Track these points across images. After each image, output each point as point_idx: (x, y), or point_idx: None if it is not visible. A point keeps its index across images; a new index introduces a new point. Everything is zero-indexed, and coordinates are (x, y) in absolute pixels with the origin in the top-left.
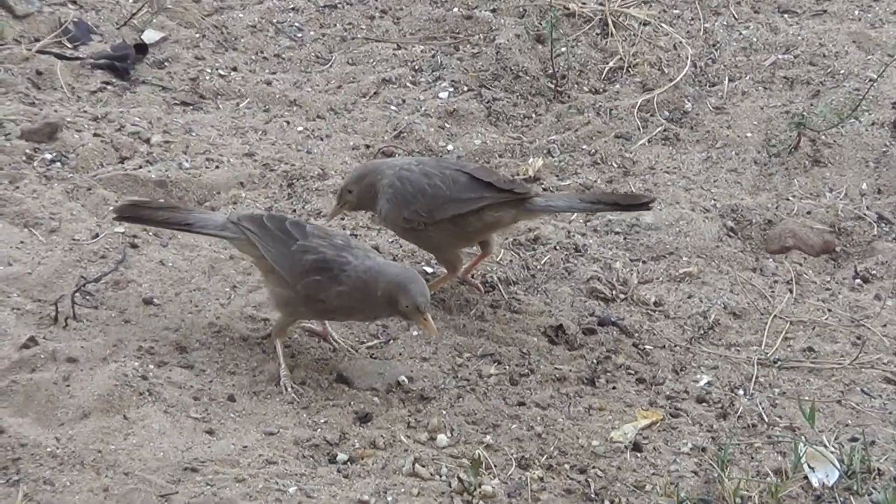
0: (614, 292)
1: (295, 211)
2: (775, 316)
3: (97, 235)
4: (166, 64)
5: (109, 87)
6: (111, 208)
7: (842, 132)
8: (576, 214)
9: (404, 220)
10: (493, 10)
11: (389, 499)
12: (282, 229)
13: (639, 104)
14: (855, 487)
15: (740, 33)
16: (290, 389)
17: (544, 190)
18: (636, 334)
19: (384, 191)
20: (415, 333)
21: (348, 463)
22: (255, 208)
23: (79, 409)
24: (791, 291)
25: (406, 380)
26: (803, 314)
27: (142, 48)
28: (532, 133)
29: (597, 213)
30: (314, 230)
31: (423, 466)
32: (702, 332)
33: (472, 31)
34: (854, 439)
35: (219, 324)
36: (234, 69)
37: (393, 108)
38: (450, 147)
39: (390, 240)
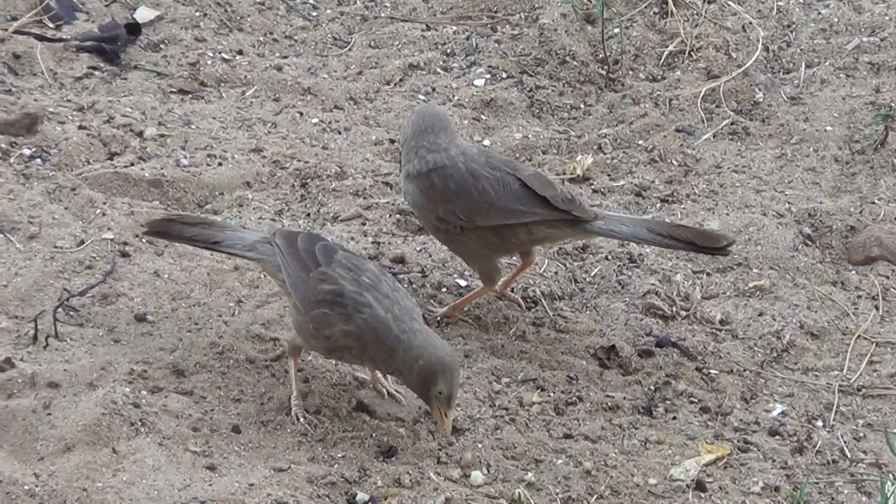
0: (674, 309)
1: (309, 215)
2: (859, 336)
3: (82, 242)
4: (162, 46)
5: (97, 72)
6: (142, 224)
7: None
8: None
9: (437, 218)
10: None
11: None
12: (308, 251)
13: (702, 93)
14: None
15: (819, 13)
16: (302, 419)
17: (594, 192)
18: (699, 357)
19: (421, 172)
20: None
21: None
22: (263, 211)
23: (61, 441)
24: (877, 308)
25: None
26: (891, 334)
27: (134, 28)
28: (580, 126)
29: (665, 248)
30: (344, 259)
31: None
32: (775, 354)
33: (512, 10)
34: None
35: (221, 344)
36: (240, 52)
37: (421, 97)
38: (486, 142)
39: (418, 248)
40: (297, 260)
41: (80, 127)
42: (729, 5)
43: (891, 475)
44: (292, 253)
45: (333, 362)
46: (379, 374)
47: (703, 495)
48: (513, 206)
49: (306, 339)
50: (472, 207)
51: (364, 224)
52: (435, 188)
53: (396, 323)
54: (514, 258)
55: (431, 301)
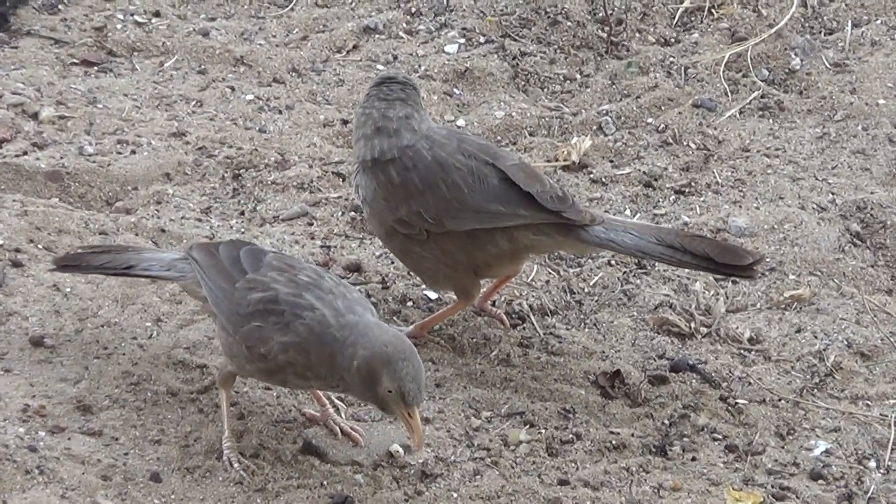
0: (693, 325)
1: (243, 214)
2: None
3: None
4: (61, 7)
5: None
6: (50, 259)
7: None
8: (637, 215)
9: (398, 221)
10: None
11: None
12: (232, 258)
13: (726, 60)
14: None
15: None
16: (236, 464)
17: (593, 182)
18: (724, 384)
19: (376, 161)
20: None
21: None
22: (186, 210)
23: None
24: None
25: (401, 450)
26: None
27: None
28: (577, 101)
29: (676, 266)
30: (275, 260)
31: None
32: (817, 380)
33: None
34: None
35: (136, 373)
36: (157, 14)
37: (380, 67)
38: (460, 122)
39: (377, 253)
40: (219, 272)
41: None
42: None
43: None
44: (212, 264)
45: (275, 394)
46: (331, 409)
47: None
48: (491, 207)
49: (239, 365)
50: (442, 205)
51: (311, 224)
52: (394, 182)
53: (336, 319)
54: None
55: (395, 318)
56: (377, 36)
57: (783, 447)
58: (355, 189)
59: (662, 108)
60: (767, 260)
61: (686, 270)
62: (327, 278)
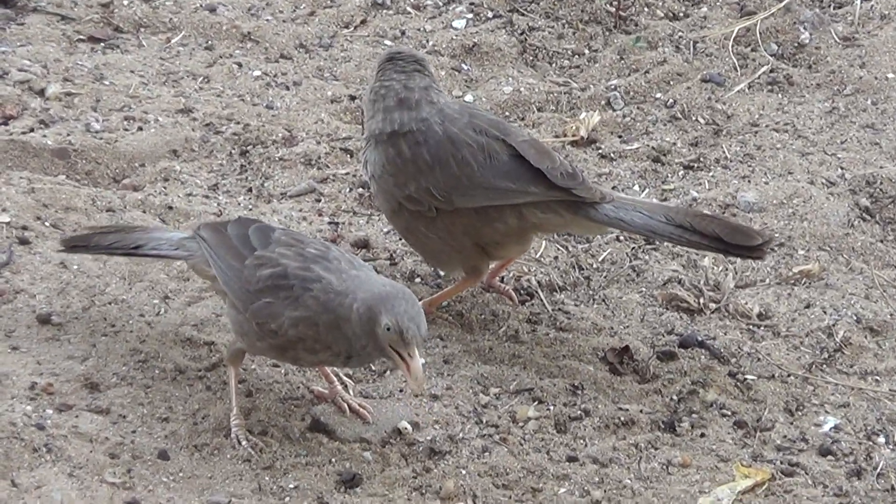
0: (702, 301)
1: (251, 191)
2: None
3: None
4: None
5: None
6: (58, 239)
7: None
8: (645, 191)
9: (406, 197)
10: None
11: None
12: (241, 236)
13: (735, 34)
14: None
15: None
16: (244, 442)
17: (601, 157)
18: (733, 360)
19: (386, 134)
20: (420, 362)
21: None
22: (193, 186)
23: None
24: None
25: (409, 427)
26: None
27: None
28: (585, 76)
29: (685, 247)
30: (283, 236)
31: None
32: (826, 355)
33: None
34: None
35: (144, 350)
36: None
37: (388, 42)
38: (468, 97)
39: (385, 229)
40: (228, 249)
41: None
42: None
43: None
44: (222, 242)
45: (283, 371)
46: (339, 387)
47: None
48: (500, 184)
49: (249, 342)
50: (451, 182)
51: (318, 201)
52: (403, 156)
53: (340, 280)
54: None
55: None
56: (385, 11)
57: (792, 423)
58: (364, 164)
59: (671, 82)
60: (776, 237)
61: None
62: (334, 249)
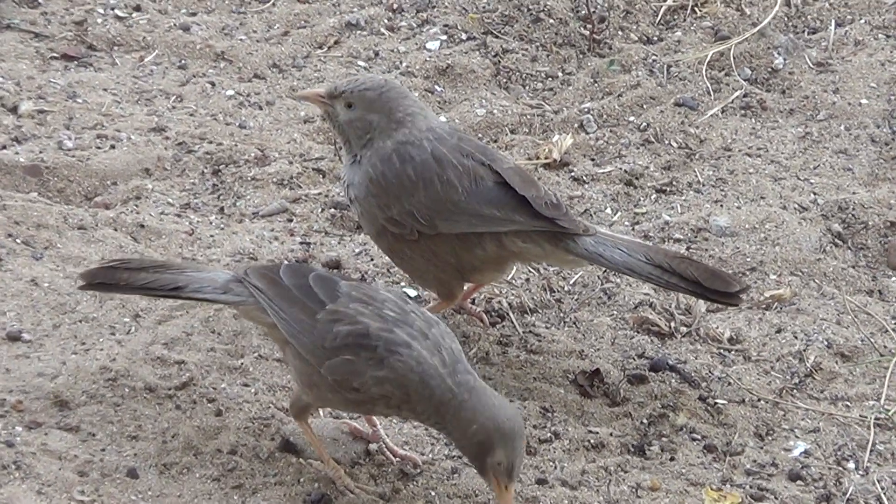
0: (672, 324)
1: (223, 210)
2: None
3: None
4: (41, 1)
5: None
6: (78, 274)
7: None
8: (617, 214)
9: (388, 220)
10: None
11: None
12: (302, 287)
13: (708, 59)
14: None
15: None
16: (356, 490)
17: (574, 180)
18: (704, 384)
19: (373, 159)
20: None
21: None
22: (165, 205)
23: None
24: None
25: (376, 448)
26: None
27: None
28: (558, 99)
29: (663, 288)
30: (353, 291)
31: None
32: (796, 380)
33: None
34: None
35: (114, 368)
36: (137, 9)
37: (361, 63)
38: (441, 119)
39: (357, 250)
40: (291, 302)
41: None
42: None
43: None
44: (281, 294)
45: (253, 391)
46: (381, 431)
47: None
48: (485, 211)
49: (319, 394)
50: (435, 207)
51: (290, 221)
52: (388, 177)
53: (448, 372)
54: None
55: None
56: (359, 32)
57: (762, 447)
58: (346, 188)
59: (644, 106)
60: (748, 259)
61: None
62: (413, 314)
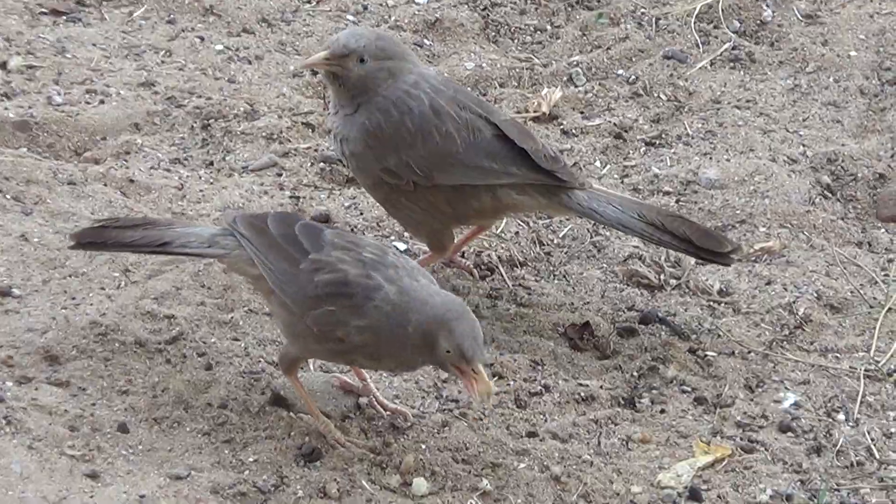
0: (662, 277)
1: (212, 164)
2: (890, 309)
3: None
4: None
5: None
6: (69, 235)
7: None
8: (607, 167)
9: (385, 170)
10: None
11: None
12: (287, 237)
13: (697, 11)
14: None
15: None
16: (346, 443)
17: (563, 133)
18: (693, 336)
19: (371, 110)
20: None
21: None
22: (155, 159)
23: None
24: None
25: (369, 401)
26: None
27: None
28: (547, 52)
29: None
30: (336, 237)
31: None
32: (786, 332)
33: None
34: None
35: (104, 323)
36: None
37: (350, 17)
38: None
39: (346, 204)
40: (276, 251)
41: None
42: None
43: None
44: (267, 243)
45: (243, 345)
46: (372, 385)
47: None
48: (483, 163)
49: (303, 344)
50: (432, 159)
51: (280, 175)
52: (384, 126)
53: (398, 295)
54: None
55: None
56: None
57: (752, 400)
58: (339, 141)
59: (633, 59)
60: (738, 211)
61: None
62: (390, 253)
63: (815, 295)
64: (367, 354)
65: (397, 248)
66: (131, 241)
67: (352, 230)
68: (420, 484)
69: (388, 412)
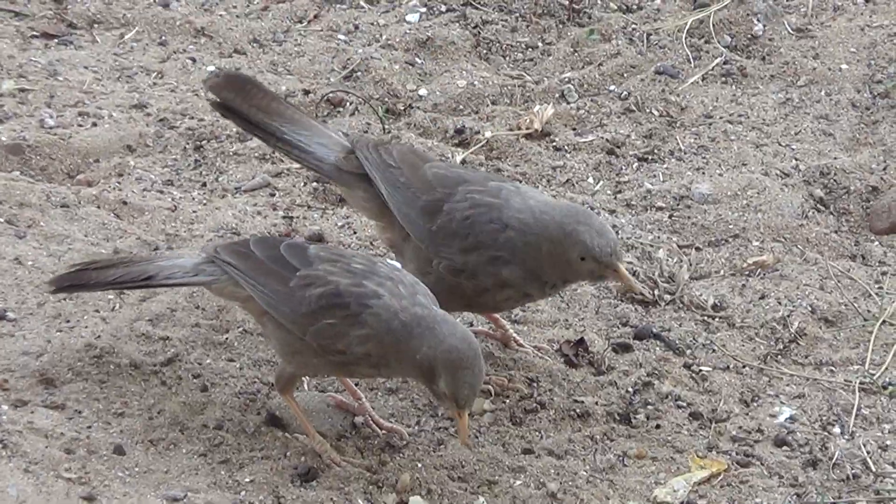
0: (656, 292)
1: (205, 185)
2: (884, 322)
3: None
4: None
5: None
6: (47, 282)
7: None
8: (600, 183)
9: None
10: None
11: None
12: (274, 258)
13: (688, 26)
14: None
15: None
16: (342, 463)
17: (556, 150)
18: (688, 351)
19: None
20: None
21: None
22: (147, 181)
23: None
24: None
25: (362, 420)
26: None
27: None
28: (539, 69)
29: None
30: (321, 252)
31: None
32: (781, 346)
33: None
34: None
35: (99, 345)
36: None
37: (341, 37)
38: (422, 91)
39: (339, 223)
40: (265, 273)
41: None
42: None
43: None
44: (255, 267)
45: (238, 366)
46: (367, 404)
47: None
48: None
49: (302, 361)
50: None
51: (273, 195)
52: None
53: (401, 306)
54: None
55: None
56: (338, 6)
57: (747, 414)
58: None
59: (625, 75)
60: (731, 226)
61: (650, 237)
62: (379, 264)
63: (810, 308)
64: (369, 364)
65: (390, 262)
66: (114, 279)
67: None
68: (416, 502)
69: (383, 431)
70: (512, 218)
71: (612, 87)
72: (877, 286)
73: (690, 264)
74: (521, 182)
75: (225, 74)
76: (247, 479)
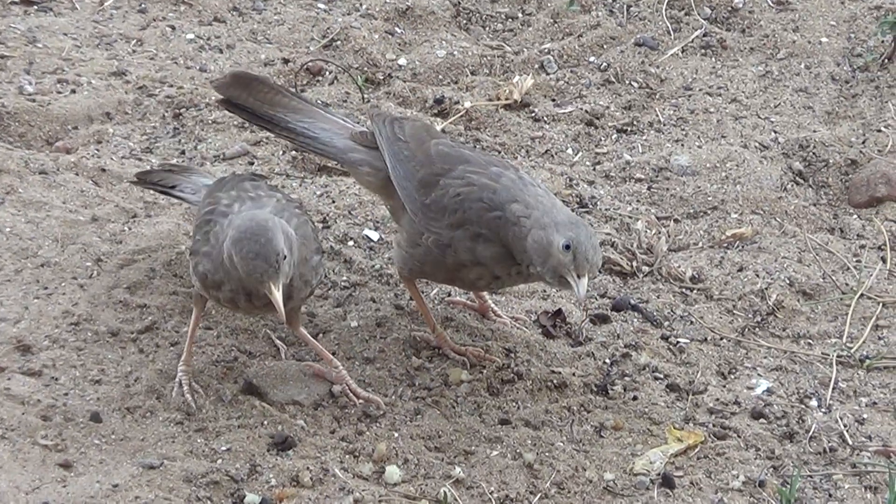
0: (635, 264)
1: (184, 153)
2: (862, 295)
3: None
4: None
5: None
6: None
7: None
8: (579, 154)
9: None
10: None
11: None
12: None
13: None
14: None
15: None
16: (185, 388)
17: (535, 121)
18: (666, 323)
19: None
20: (353, 325)
21: None
22: (126, 148)
23: None
24: (883, 260)
25: (342, 389)
26: None
27: None
28: (518, 40)
29: None
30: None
31: None
32: (758, 318)
33: None
34: None
35: (77, 312)
36: None
37: (321, 5)
38: (401, 61)
39: (318, 192)
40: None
41: None
42: None
43: None
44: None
45: (216, 334)
46: (345, 372)
47: (670, 493)
48: None
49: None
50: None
51: (252, 164)
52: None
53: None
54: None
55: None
56: None
57: (725, 386)
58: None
59: (604, 46)
60: (710, 198)
61: (629, 209)
62: None
63: (788, 281)
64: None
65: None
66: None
67: (324, 219)
68: (393, 472)
69: (360, 400)
70: (505, 202)
71: (591, 59)
72: (855, 259)
73: (669, 236)
74: (520, 170)
75: (231, 74)
76: (223, 448)
